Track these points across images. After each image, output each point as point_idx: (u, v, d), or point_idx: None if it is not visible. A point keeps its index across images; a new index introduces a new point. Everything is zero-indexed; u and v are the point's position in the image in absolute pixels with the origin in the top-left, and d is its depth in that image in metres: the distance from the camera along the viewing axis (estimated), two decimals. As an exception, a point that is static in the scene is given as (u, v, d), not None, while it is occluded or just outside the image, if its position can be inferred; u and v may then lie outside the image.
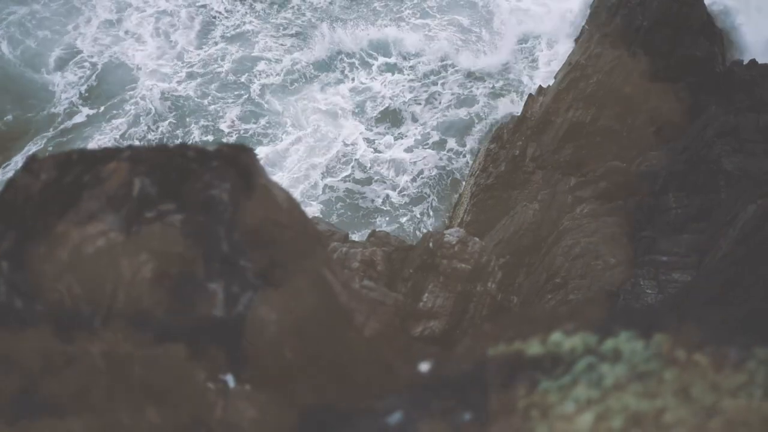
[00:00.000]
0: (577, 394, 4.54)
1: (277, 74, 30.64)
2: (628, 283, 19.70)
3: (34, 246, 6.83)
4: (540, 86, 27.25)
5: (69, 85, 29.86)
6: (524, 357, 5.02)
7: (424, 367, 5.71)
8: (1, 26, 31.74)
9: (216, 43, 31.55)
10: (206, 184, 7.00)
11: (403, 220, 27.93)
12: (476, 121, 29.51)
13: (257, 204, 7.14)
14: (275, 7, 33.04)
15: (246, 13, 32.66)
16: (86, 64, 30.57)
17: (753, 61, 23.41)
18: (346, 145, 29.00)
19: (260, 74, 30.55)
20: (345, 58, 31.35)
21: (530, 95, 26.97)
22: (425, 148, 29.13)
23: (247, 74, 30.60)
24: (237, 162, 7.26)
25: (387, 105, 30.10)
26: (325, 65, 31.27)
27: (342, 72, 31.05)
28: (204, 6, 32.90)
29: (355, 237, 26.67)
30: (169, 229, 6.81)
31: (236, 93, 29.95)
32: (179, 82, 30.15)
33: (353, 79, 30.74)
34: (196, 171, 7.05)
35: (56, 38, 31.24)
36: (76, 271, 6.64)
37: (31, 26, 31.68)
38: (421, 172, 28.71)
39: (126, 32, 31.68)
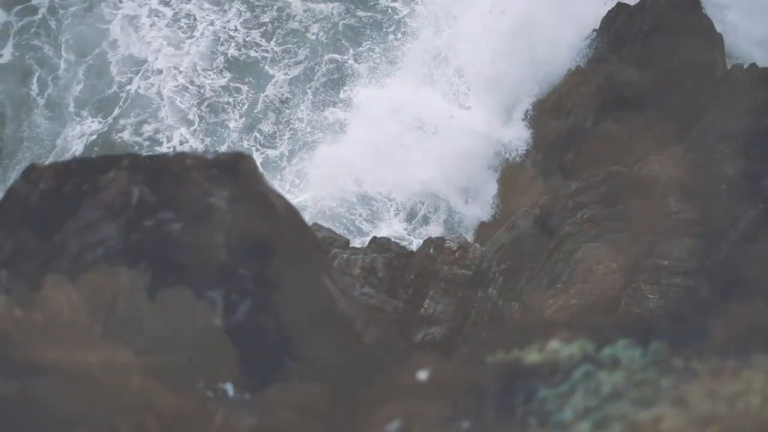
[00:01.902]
0: (575, 402, 4.54)
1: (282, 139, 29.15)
2: (630, 288, 19.68)
3: (33, 255, 6.84)
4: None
5: (80, 138, 29.30)
6: (522, 365, 5.02)
7: (423, 375, 5.71)
8: (24, 33, 30.94)
9: (229, 82, 30.51)
10: (205, 192, 7.01)
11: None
12: None
13: (256, 211, 7.15)
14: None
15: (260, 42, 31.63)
16: (99, 111, 29.87)
17: (753, 65, 23.42)
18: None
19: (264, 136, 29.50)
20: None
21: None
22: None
23: (253, 134, 29.51)
24: (235, 169, 7.27)
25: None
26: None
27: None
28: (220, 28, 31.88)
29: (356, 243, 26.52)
30: (168, 237, 6.82)
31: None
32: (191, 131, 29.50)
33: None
34: (194, 179, 7.06)
35: (80, 60, 30.57)
36: (76, 279, 6.65)
37: (55, 28, 30.91)
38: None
39: (144, 62, 30.69)
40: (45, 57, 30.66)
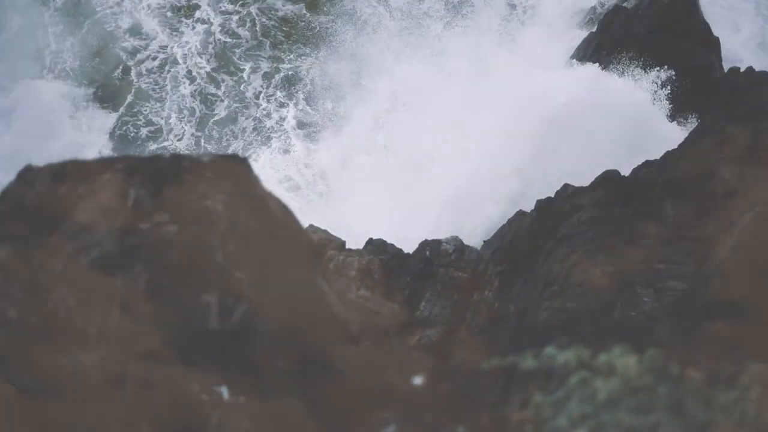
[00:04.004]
0: (571, 409, 4.52)
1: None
2: (626, 292, 19.65)
3: (28, 257, 6.81)
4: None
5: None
6: (518, 370, 5.01)
7: (418, 380, 5.70)
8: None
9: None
10: (201, 194, 6.99)
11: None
12: None
13: (252, 214, 7.13)
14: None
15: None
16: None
17: (750, 69, 23.43)
18: None
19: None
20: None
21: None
22: None
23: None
24: (232, 172, 7.25)
25: None
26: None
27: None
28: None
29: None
30: (164, 240, 6.80)
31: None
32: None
33: None
34: (190, 182, 7.04)
35: (79, 41, 30.31)
36: (70, 282, 6.62)
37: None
38: None
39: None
40: (49, 40, 30.25)
